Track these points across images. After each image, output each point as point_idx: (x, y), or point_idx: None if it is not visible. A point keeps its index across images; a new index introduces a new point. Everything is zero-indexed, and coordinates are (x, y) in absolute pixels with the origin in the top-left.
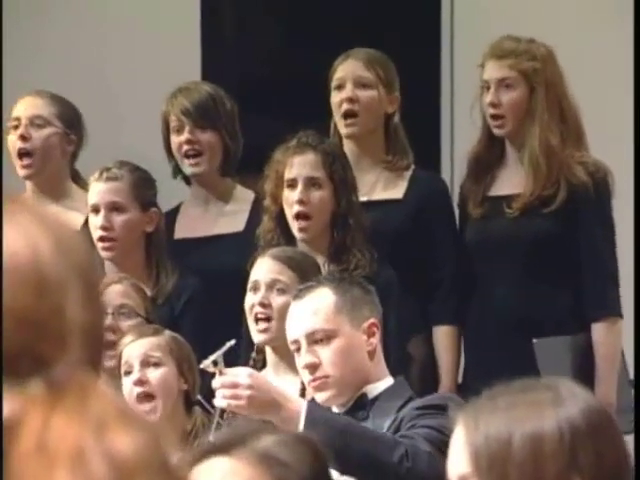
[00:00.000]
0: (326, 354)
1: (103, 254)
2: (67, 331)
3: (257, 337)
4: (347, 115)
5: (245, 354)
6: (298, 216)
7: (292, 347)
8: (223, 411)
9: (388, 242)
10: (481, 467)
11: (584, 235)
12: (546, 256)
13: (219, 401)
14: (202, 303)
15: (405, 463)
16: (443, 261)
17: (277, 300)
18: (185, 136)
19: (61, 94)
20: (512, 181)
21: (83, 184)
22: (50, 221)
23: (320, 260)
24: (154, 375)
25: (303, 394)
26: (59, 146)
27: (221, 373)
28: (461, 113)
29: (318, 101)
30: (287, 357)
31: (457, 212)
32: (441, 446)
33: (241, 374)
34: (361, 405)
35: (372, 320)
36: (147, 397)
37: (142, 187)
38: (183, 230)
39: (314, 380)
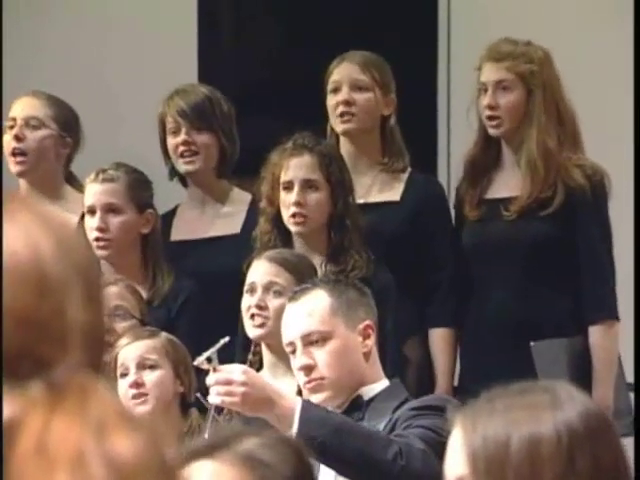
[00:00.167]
0: (321, 356)
1: (99, 255)
2: (68, 332)
3: (252, 332)
4: (343, 115)
5: (241, 356)
6: (294, 216)
7: (287, 349)
8: (221, 409)
9: (384, 244)
10: (478, 469)
11: (582, 238)
12: (543, 259)
13: (213, 398)
14: (198, 305)
15: (399, 461)
16: (440, 264)
17: (274, 302)
18: (181, 137)
19: (59, 95)
20: (509, 184)
21: (78, 186)
22: (51, 220)
23: (317, 261)
24: (150, 377)
25: (300, 395)
26: (53, 148)
27: (215, 370)
28: (458, 116)
29: (316, 103)
30: (284, 358)
31: (453, 214)
32: (436, 446)
33: (235, 371)
34: (356, 407)
35: (367, 322)
36: (143, 399)
37: (138, 189)
38: (180, 232)
39: (309, 382)
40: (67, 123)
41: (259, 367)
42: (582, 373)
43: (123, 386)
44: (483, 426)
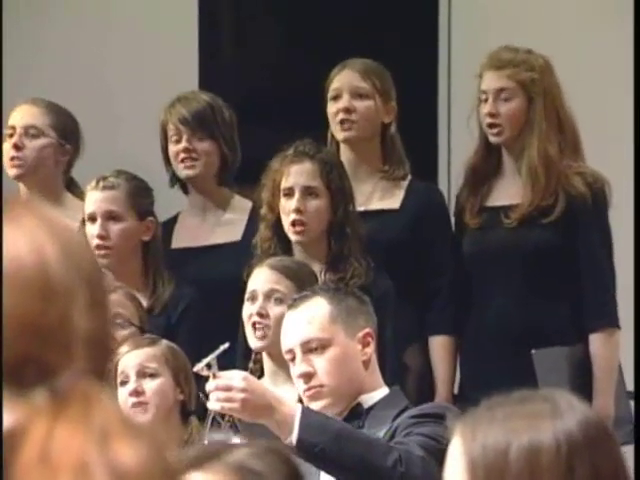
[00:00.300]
0: (321, 363)
1: (100, 263)
2: (73, 339)
3: (254, 343)
4: (344, 123)
5: (241, 364)
6: (294, 224)
7: (287, 356)
8: (222, 416)
9: (384, 252)
10: (478, 478)
11: (582, 245)
12: (544, 266)
13: (213, 404)
14: (199, 312)
15: (399, 468)
16: (440, 271)
17: (275, 310)
18: (182, 145)
19: (59, 97)
20: (509, 191)
21: (79, 193)
22: (56, 225)
23: (317, 269)
24: (150, 386)
25: (300, 403)
26: (52, 156)
27: (215, 376)
28: (458, 124)
29: (318, 111)
30: (285, 367)
31: (454, 222)
32: (436, 453)
33: (235, 377)
34: (356, 415)
35: (367, 330)
36: (142, 407)
37: (139, 196)
38: (181, 240)
39: (309, 389)
40: (66, 130)
41: (260, 375)
42: (583, 381)
43: (123, 394)
44: (483, 435)
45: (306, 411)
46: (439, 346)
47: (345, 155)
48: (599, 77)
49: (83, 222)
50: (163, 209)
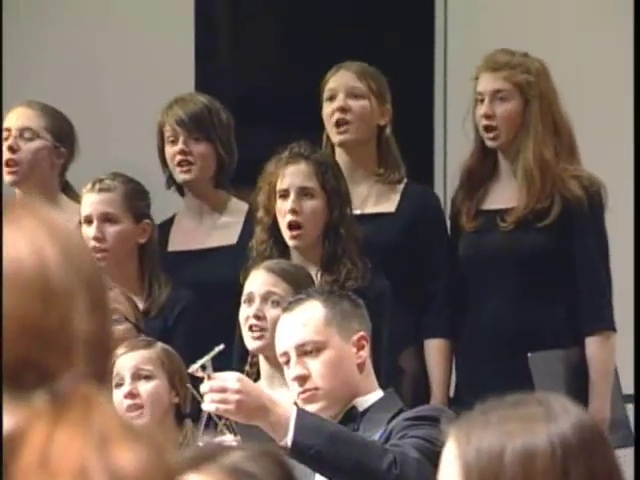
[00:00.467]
0: (315, 366)
1: None
2: (73, 342)
3: (251, 344)
4: (339, 124)
5: (237, 366)
6: (290, 225)
7: (281, 359)
8: (217, 417)
9: (380, 255)
10: None
11: (578, 249)
12: (540, 270)
13: (207, 405)
14: (195, 315)
15: (394, 470)
16: (436, 274)
17: (271, 312)
18: (179, 147)
19: (56, 99)
20: (505, 195)
21: (74, 195)
22: (56, 227)
23: (312, 270)
24: (145, 388)
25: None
26: (48, 159)
27: (209, 378)
28: (454, 126)
29: (315, 113)
30: (281, 370)
31: (449, 225)
32: (430, 456)
33: (230, 378)
34: (351, 418)
35: (361, 333)
36: (137, 410)
37: (135, 198)
38: (177, 243)
39: (303, 392)
40: (61, 133)
41: (256, 379)
42: (579, 384)
43: (118, 396)
44: (477, 438)
45: (301, 413)
46: (435, 349)
47: (340, 158)
48: (598, 79)
49: (79, 224)
50: (159, 211)
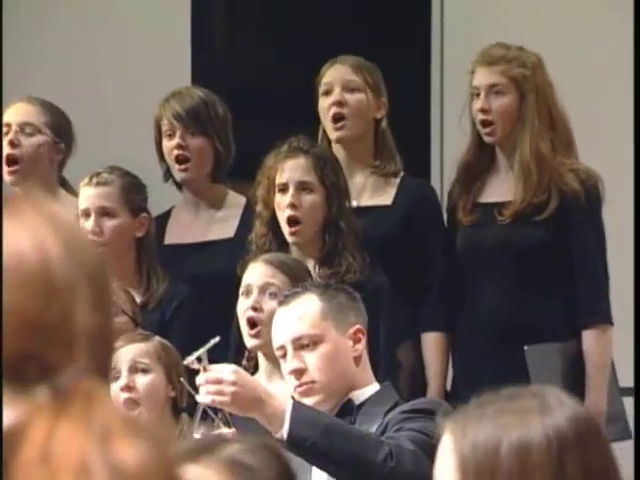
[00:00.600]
0: (312, 359)
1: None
2: (75, 336)
3: (249, 342)
4: (336, 119)
5: (234, 357)
6: (289, 220)
7: (278, 353)
8: (212, 409)
9: (377, 248)
10: (468, 475)
11: (575, 242)
12: (537, 263)
13: (203, 397)
14: (193, 309)
15: (389, 462)
16: (432, 267)
17: (269, 304)
18: (176, 141)
19: (53, 96)
20: (502, 188)
21: (71, 191)
22: (59, 222)
23: (311, 264)
24: (142, 381)
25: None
26: (47, 155)
27: (205, 370)
28: (451, 120)
29: (312, 106)
30: (280, 364)
31: (446, 218)
32: (426, 448)
33: (225, 370)
34: (348, 411)
35: (358, 326)
36: (134, 403)
37: (132, 192)
38: (174, 236)
39: (300, 386)
40: (61, 129)
41: (253, 372)
42: (575, 377)
43: (114, 389)
44: (473, 432)
45: (297, 405)
46: (431, 343)
47: (337, 152)
48: (596, 72)
49: (77, 218)
50: (157, 204)
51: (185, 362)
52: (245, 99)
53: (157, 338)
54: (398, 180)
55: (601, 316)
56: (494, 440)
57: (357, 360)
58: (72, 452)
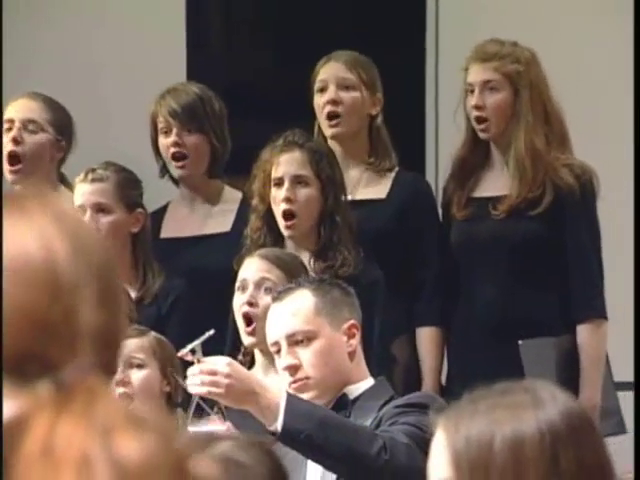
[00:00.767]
0: (306, 355)
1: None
2: (78, 334)
3: (246, 340)
4: (330, 116)
5: (230, 353)
6: (285, 214)
7: (272, 349)
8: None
9: (371, 242)
10: (462, 471)
11: (570, 237)
12: (532, 258)
13: (197, 388)
14: (189, 304)
15: (383, 455)
16: (427, 262)
17: (265, 299)
18: (172, 138)
19: (48, 91)
20: (497, 183)
21: (70, 187)
22: (67, 221)
23: (306, 257)
24: (136, 376)
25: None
26: (49, 152)
27: (199, 362)
28: (446, 116)
29: (307, 102)
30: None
31: (441, 214)
32: (420, 442)
33: (219, 363)
34: (342, 405)
35: (352, 321)
36: (128, 398)
37: (127, 188)
38: (170, 230)
39: (295, 382)
40: (63, 127)
41: (250, 367)
42: (570, 372)
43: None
44: (466, 427)
45: (291, 398)
46: (426, 337)
47: (332, 147)
48: (596, 73)
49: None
50: (153, 200)
51: (179, 354)
52: (241, 95)
53: (152, 333)
54: (393, 174)
55: (596, 311)
56: (487, 435)
57: (351, 355)
58: (74, 446)
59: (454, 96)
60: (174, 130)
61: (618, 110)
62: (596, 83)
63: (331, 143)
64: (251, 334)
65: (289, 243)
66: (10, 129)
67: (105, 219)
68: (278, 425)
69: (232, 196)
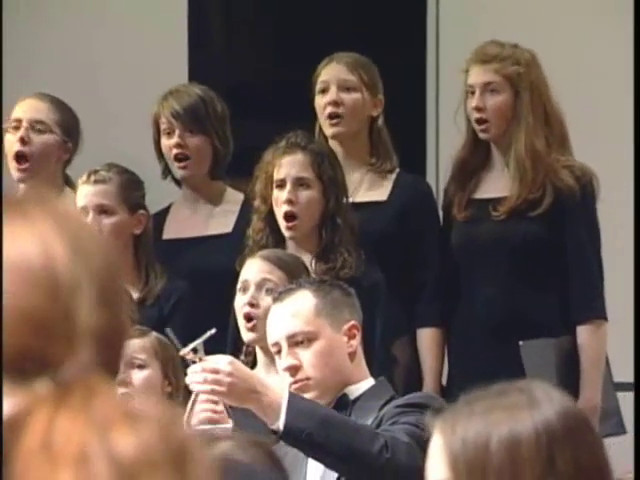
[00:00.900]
0: (307, 356)
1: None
2: (76, 334)
3: (246, 336)
4: (332, 117)
5: (231, 354)
6: (286, 216)
7: (273, 349)
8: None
9: (372, 244)
10: (459, 472)
11: (570, 238)
12: (532, 259)
13: (200, 386)
14: (191, 305)
15: (384, 454)
16: (427, 263)
17: (266, 300)
18: (175, 140)
19: (52, 92)
20: (497, 185)
21: (74, 188)
22: (70, 223)
23: (307, 259)
24: (138, 377)
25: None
26: (56, 153)
27: (201, 361)
28: (446, 118)
29: (308, 102)
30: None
31: (442, 216)
32: (421, 442)
33: (222, 361)
34: (343, 405)
35: (352, 322)
36: (129, 399)
37: (130, 189)
38: (172, 231)
39: (295, 382)
40: (69, 128)
41: (252, 367)
42: (570, 373)
43: None
44: (462, 429)
45: (293, 397)
46: (427, 338)
47: (333, 148)
48: (595, 73)
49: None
50: (155, 201)
51: (181, 353)
52: (241, 95)
53: (154, 334)
54: (394, 176)
55: (595, 312)
56: (484, 436)
57: (352, 356)
58: (72, 442)
59: (455, 97)
60: (176, 131)
61: (618, 111)
62: (596, 83)
63: (332, 144)
64: (251, 330)
65: (290, 245)
66: (18, 129)
67: (108, 220)
68: (280, 424)
69: (234, 197)
